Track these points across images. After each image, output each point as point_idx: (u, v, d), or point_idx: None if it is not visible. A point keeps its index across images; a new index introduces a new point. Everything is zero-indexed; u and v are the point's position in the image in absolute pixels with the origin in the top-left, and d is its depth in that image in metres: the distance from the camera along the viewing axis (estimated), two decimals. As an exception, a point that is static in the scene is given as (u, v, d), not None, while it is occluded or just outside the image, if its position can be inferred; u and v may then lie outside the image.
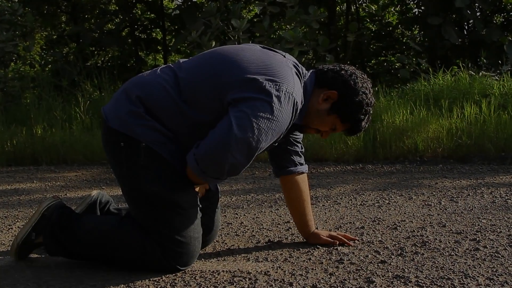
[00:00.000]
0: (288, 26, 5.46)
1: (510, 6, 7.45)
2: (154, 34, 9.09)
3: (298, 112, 1.76)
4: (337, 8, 8.45)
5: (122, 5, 8.60)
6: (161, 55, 9.09)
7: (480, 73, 7.31)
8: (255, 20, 7.73)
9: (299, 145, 2.12)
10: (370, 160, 4.44)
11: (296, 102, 1.72)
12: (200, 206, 1.85)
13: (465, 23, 7.15)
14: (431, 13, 6.73)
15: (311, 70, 1.92)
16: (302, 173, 2.11)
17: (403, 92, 5.37)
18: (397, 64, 9.24)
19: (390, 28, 9.56)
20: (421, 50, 6.86)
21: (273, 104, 1.64)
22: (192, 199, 1.80)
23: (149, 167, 1.72)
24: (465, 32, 7.24)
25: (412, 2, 8.87)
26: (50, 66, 7.15)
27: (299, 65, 1.88)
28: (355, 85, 1.84)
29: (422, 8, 7.69)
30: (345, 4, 8.94)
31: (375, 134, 4.58)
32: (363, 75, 1.89)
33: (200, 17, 6.36)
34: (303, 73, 1.86)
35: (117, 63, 7.58)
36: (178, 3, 9.19)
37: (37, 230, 1.86)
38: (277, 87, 1.66)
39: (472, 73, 5.48)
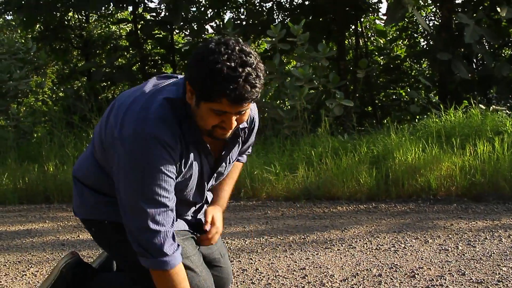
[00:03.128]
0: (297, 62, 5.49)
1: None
2: (164, 68, 9.18)
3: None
4: (346, 42, 8.52)
5: (133, 41, 8.72)
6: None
7: (491, 108, 7.32)
8: (265, 55, 7.83)
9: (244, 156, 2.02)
10: (383, 199, 4.41)
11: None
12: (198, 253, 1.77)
13: (474, 58, 7.17)
14: (440, 49, 6.76)
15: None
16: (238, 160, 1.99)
17: (415, 128, 5.36)
18: (406, 97, 9.27)
19: (399, 61, 9.63)
20: (431, 85, 6.88)
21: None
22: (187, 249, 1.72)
23: (124, 240, 1.60)
24: (475, 67, 7.26)
25: (420, 36, 8.96)
26: (61, 102, 7.21)
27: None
28: (193, 57, 1.51)
29: (431, 42, 7.75)
30: (353, 38, 9.04)
31: (387, 171, 4.56)
32: (220, 43, 1.49)
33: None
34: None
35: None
36: (188, 39, 9.31)
37: None
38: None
39: (482, 106, 5.47)
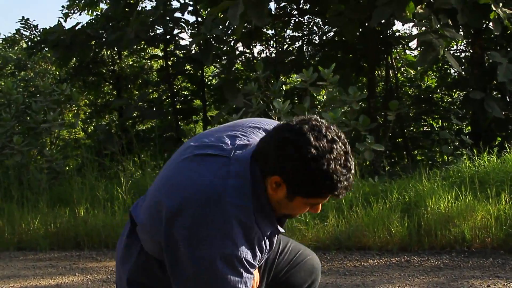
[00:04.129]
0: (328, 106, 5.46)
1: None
2: (194, 103, 9.26)
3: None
4: (376, 73, 8.45)
5: (164, 76, 8.84)
6: (201, 124, 9.24)
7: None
8: (295, 92, 7.85)
9: None
10: (415, 250, 4.30)
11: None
12: None
13: (508, 96, 7.02)
14: (472, 87, 6.65)
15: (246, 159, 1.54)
16: None
17: (447, 173, 5.23)
18: (437, 129, 9.11)
19: (429, 92, 9.45)
20: (463, 126, 6.75)
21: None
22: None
23: None
24: (509, 104, 7.11)
25: (452, 71, 8.81)
26: (90, 140, 7.32)
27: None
28: (293, 156, 1.43)
29: (463, 75, 7.63)
30: (384, 70, 8.96)
31: (420, 221, 4.46)
32: (313, 130, 1.44)
33: (240, 92, 6.46)
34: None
35: (157, 135, 7.74)
36: (217, 70, 9.40)
37: None
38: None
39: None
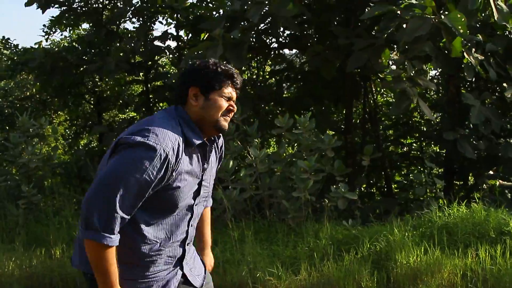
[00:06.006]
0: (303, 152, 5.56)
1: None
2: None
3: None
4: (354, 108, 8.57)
5: (144, 101, 8.88)
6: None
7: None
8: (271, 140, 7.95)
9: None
10: (384, 306, 4.42)
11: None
12: None
13: (480, 139, 7.19)
14: (447, 128, 6.81)
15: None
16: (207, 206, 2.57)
17: (418, 220, 5.34)
18: (415, 153, 9.24)
19: (408, 115, 9.50)
20: (436, 167, 6.91)
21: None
22: None
23: None
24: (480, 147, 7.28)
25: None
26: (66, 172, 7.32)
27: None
28: (192, 69, 2.19)
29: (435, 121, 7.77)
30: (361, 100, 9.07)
31: (389, 275, 4.58)
32: (193, 62, 2.29)
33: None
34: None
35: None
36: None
37: None
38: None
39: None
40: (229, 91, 2.17)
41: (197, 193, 2.22)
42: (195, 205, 2.23)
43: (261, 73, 8.25)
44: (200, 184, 2.22)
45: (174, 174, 2.03)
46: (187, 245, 2.28)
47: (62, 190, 6.04)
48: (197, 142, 2.12)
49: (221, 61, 2.23)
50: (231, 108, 2.18)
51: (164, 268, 2.18)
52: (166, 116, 2.11)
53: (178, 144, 2.03)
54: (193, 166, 2.14)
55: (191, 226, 2.27)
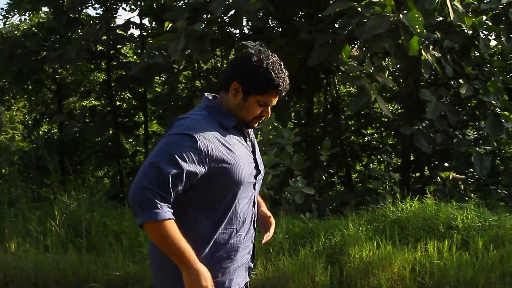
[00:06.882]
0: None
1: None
2: (136, 117, 9.23)
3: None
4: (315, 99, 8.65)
5: (106, 89, 8.77)
6: (142, 140, 9.22)
7: (451, 176, 7.55)
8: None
9: None
10: (336, 299, 4.55)
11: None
12: None
13: (436, 133, 7.39)
14: (405, 122, 6.97)
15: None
16: None
17: (373, 215, 5.49)
18: (374, 143, 9.43)
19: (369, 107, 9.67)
20: (391, 161, 7.08)
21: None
22: None
23: None
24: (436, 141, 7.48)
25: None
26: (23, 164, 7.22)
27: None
28: (243, 62, 2.15)
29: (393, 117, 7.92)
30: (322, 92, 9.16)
31: (342, 269, 4.71)
32: (254, 51, 2.20)
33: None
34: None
35: (95, 153, 7.71)
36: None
37: None
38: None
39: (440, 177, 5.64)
40: (270, 98, 2.17)
41: (257, 170, 2.28)
42: (256, 183, 2.30)
43: (225, 62, 8.24)
44: (256, 162, 2.29)
45: (215, 153, 2.08)
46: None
47: (19, 182, 5.96)
48: (231, 124, 2.19)
49: (277, 62, 2.17)
50: (264, 113, 2.22)
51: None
52: (199, 108, 2.23)
53: (210, 130, 2.11)
54: (237, 145, 2.19)
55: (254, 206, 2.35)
